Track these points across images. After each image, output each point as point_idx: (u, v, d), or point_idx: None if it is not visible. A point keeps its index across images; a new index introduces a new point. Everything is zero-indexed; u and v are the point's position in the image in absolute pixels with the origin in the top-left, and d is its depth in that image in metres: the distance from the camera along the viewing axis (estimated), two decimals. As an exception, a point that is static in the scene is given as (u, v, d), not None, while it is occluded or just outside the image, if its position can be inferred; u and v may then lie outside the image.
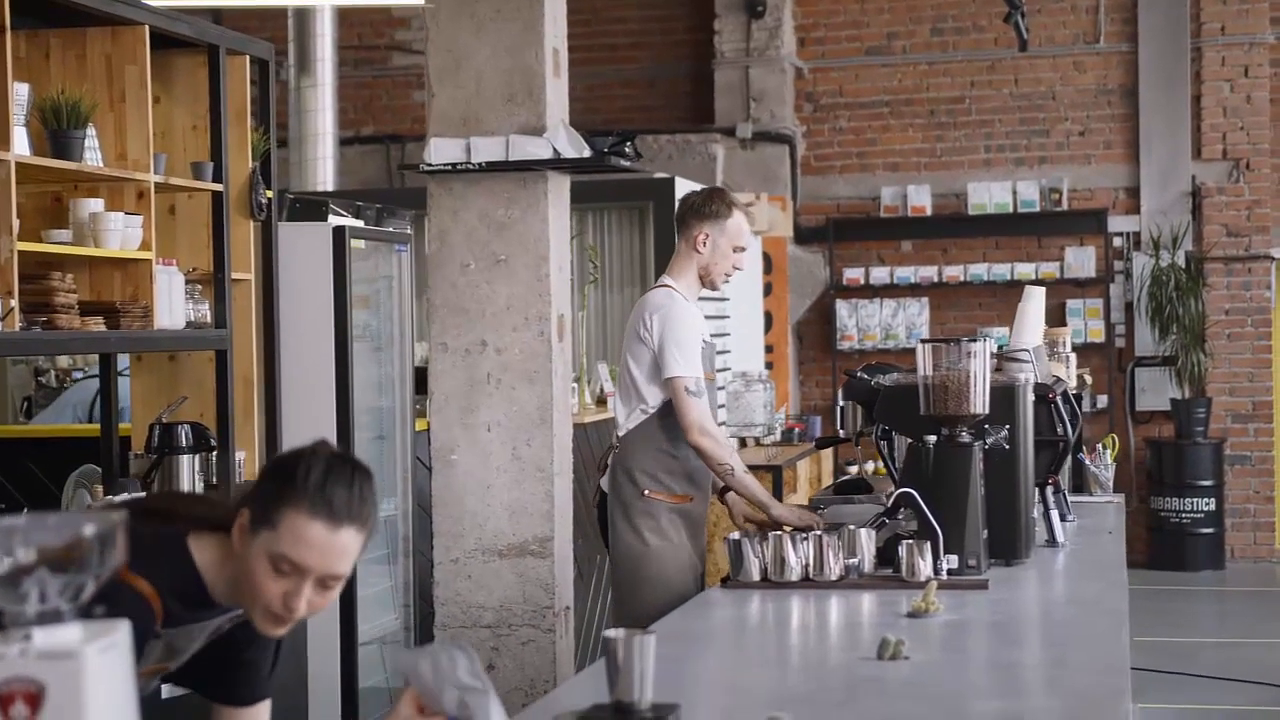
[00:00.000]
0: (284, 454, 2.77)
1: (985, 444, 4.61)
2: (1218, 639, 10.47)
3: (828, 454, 11.54)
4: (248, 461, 6.04)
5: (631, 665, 2.80)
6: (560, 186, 6.42)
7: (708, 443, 5.25)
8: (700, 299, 8.32)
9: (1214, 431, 12.87)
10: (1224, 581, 12.45)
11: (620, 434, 5.50)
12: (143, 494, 4.97)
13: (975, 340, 4.58)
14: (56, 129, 4.95)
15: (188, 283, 5.66)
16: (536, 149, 6.18)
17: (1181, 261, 12.78)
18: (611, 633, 2.82)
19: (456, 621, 5.99)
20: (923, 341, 4.60)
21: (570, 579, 6.25)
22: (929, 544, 4.37)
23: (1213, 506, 12.68)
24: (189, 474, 5.61)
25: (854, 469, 12.65)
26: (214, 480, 5.78)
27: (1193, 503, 12.65)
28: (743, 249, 5.53)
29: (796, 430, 11.35)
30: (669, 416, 5.37)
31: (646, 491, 5.39)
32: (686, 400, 5.27)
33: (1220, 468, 12.76)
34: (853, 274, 13.36)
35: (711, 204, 5.50)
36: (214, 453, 5.76)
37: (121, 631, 1.84)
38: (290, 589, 2.65)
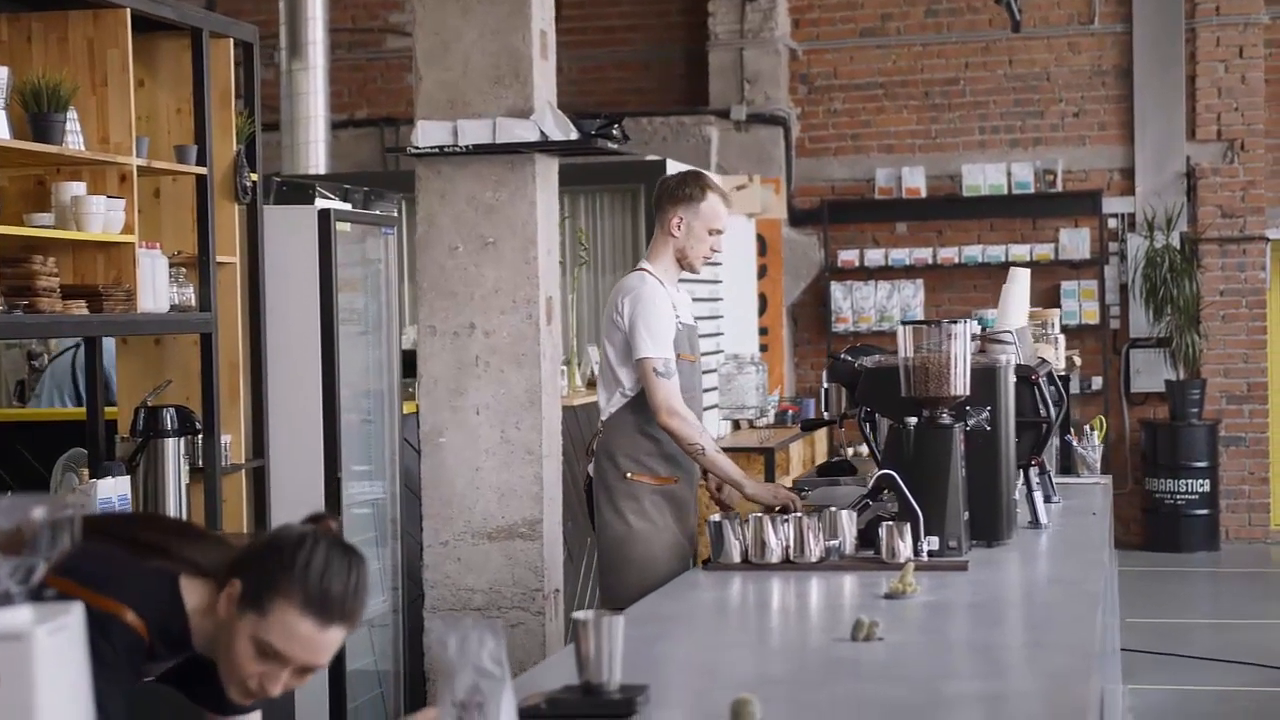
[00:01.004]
0: (284, 531, 2.74)
1: (966, 425, 4.62)
2: (1211, 620, 10.49)
3: (821, 436, 11.55)
4: (234, 445, 6.04)
5: (600, 647, 2.81)
6: (548, 169, 6.42)
7: (676, 423, 5.27)
8: (694, 281, 8.33)
9: (1209, 413, 12.87)
10: (1218, 563, 12.46)
11: (603, 418, 5.53)
12: (137, 515, 4.88)
13: (956, 322, 4.58)
14: (37, 112, 4.94)
15: (172, 266, 5.66)
16: (523, 131, 6.17)
17: (1176, 243, 12.77)
18: (580, 615, 2.83)
19: (446, 604, 6.00)
20: (903, 323, 4.61)
21: (560, 561, 6.25)
22: (909, 525, 4.38)
23: (1207, 488, 12.68)
24: (174, 457, 5.61)
25: (849, 451, 12.66)
26: (199, 464, 5.78)
27: (1187, 484, 12.65)
28: (718, 231, 5.53)
29: (790, 413, 11.35)
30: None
31: (629, 474, 5.42)
32: (655, 381, 5.29)
33: (1215, 449, 12.77)
34: (847, 256, 13.36)
35: (685, 187, 5.52)
36: (199, 436, 5.76)
37: (73, 614, 1.84)
38: (269, 672, 2.65)
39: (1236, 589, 11.70)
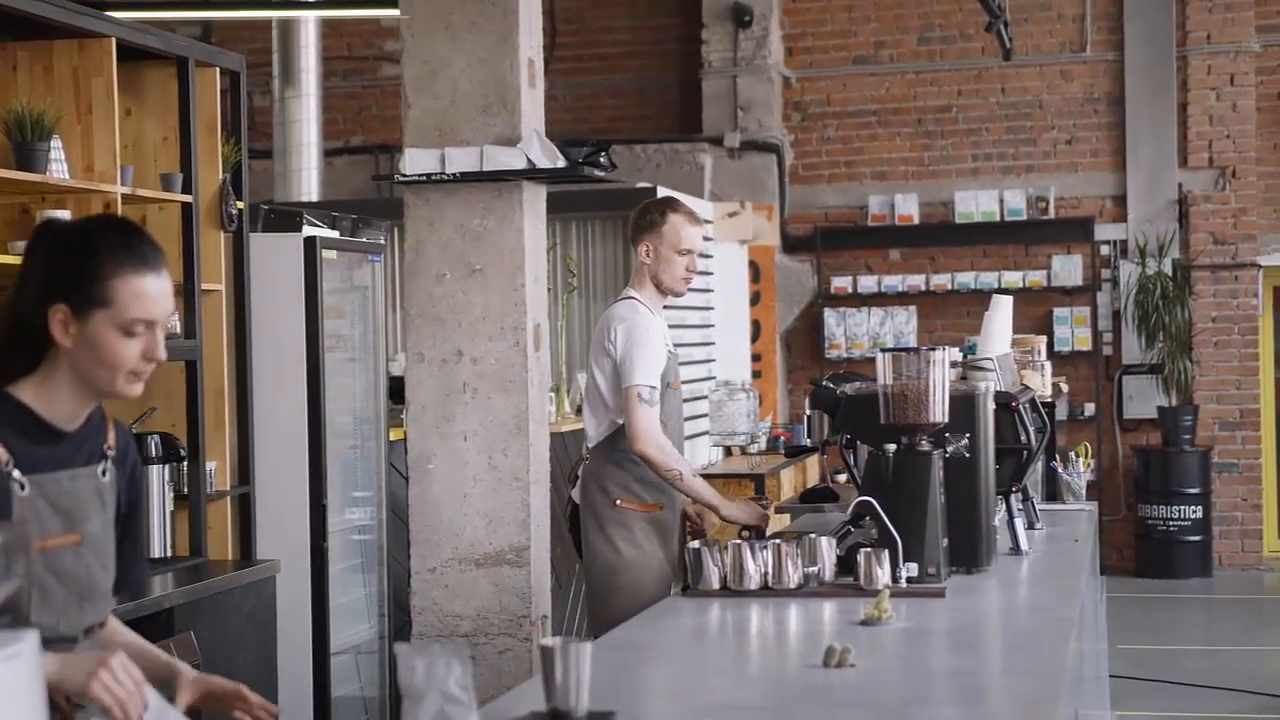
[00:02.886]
0: (52, 235, 2.80)
1: (945, 452, 4.63)
2: (1204, 646, 10.48)
3: (813, 462, 11.55)
4: (219, 471, 6.05)
5: (567, 673, 2.83)
6: (535, 197, 6.44)
7: (652, 451, 5.32)
8: (685, 307, 8.36)
9: (1201, 439, 12.88)
10: (1211, 589, 12.45)
11: (590, 445, 5.58)
12: None
13: (935, 349, 4.59)
14: (21, 141, 4.97)
15: (158, 293, 5.68)
16: (510, 159, 6.20)
17: (1168, 269, 12.79)
18: (547, 641, 2.84)
19: (433, 630, 6.00)
20: (883, 351, 4.62)
21: (547, 588, 6.26)
22: (887, 552, 4.39)
23: (1200, 514, 12.69)
24: (159, 484, 5.62)
25: (842, 478, 12.66)
26: (185, 491, 5.79)
27: (1180, 510, 12.66)
28: (688, 251, 5.59)
29: (783, 439, 11.35)
30: None
31: (618, 501, 5.46)
32: (638, 408, 5.35)
33: (1207, 475, 12.77)
34: (840, 283, 13.39)
35: (646, 215, 5.65)
36: (184, 463, 5.77)
37: (29, 641, 1.85)
38: (146, 344, 2.76)
39: (1229, 615, 11.69)
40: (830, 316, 13.38)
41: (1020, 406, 5.19)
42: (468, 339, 6.25)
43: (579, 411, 8.29)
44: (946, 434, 4.66)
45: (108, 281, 2.73)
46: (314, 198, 11.04)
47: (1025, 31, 13.07)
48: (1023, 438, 5.19)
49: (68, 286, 2.74)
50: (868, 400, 4.71)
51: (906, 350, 4.62)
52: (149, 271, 2.76)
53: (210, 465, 5.91)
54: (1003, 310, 5.72)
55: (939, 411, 4.56)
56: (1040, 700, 3.12)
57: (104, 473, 2.89)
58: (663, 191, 10.37)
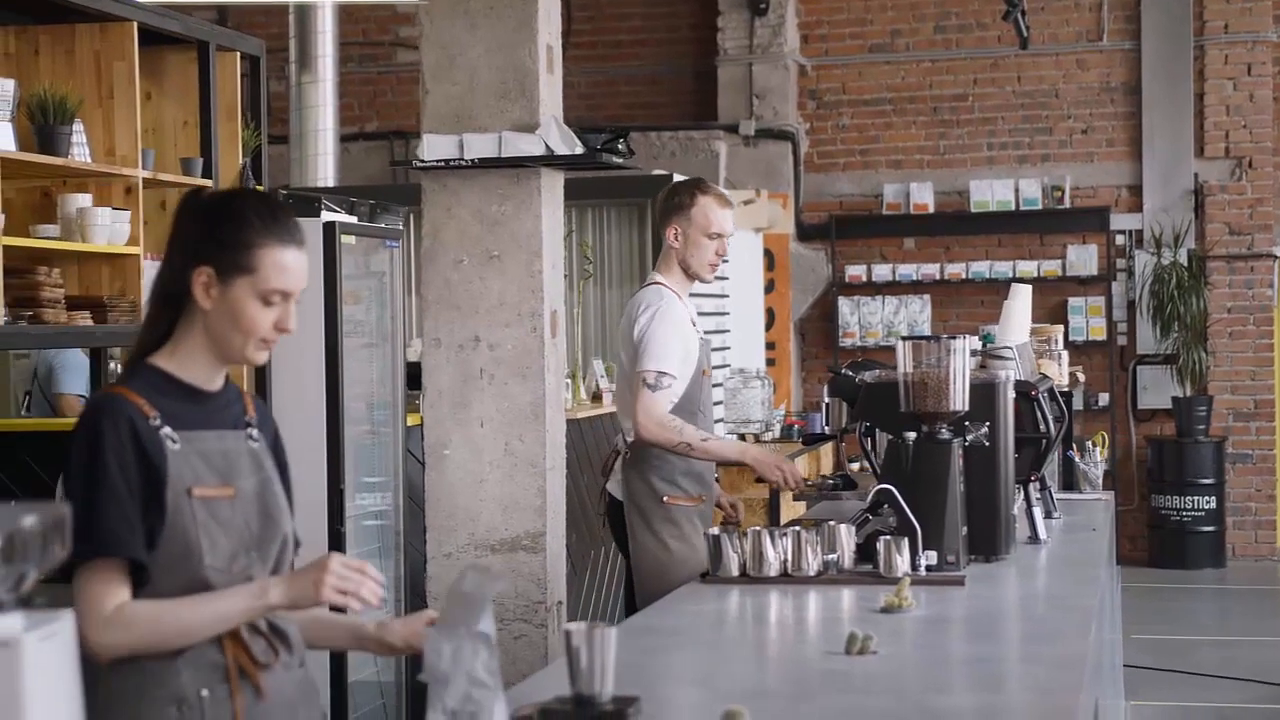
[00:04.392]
0: (203, 203, 2.94)
1: (965, 441, 4.63)
2: (1216, 637, 10.48)
3: (828, 450, 11.56)
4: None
5: (592, 658, 2.83)
6: (553, 183, 6.44)
7: (655, 433, 5.24)
8: (700, 294, 8.31)
9: (1215, 430, 12.86)
10: (1224, 580, 12.45)
11: (630, 438, 5.45)
12: None
13: (955, 338, 4.59)
14: (43, 124, 4.98)
15: (177, 278, 5.69)
16: (529, 146, 6.20)
17: (1184, 259, 12.78)
18: (572, 626, 2.84)
19: (448, 616, 6.01)
20: (903, 339, 4.62)
21: (563, 574, 6.27)
22: (907, 540, 4.39)
23: (1214, 505, 12.68)
24: (178, 468, 5.62)
25: (855, 466, 12.66)
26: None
27: (1193, 501, 12.65)
28: (718, 235, 5.46)
29: (797, 427, 11.35)
30: (680, 416, 5.34)
31: (666, 498, 5.37)
32: (641, 394, 5.28)
33: (1221, 466, 12.76)
34: (855, 271, 13.38)
35: (675, 196, 5.50)
36: (203, 447, 5.77)
37: (64, 621, 1.86)
38: (280, 314, 2.89)
39: (1242, 606, 11.69)
40: (844, 305, 13.37)
41: (1039, 396, 5.19)
42: (485, 325, 6.25)
43: (595, 398, 8.31)
44: (966, 422, 4.66)
45: (253, 250, 2.85)
46: (330, 183, 11.04)
47: (1042, 20, 13.05)
48: (1042, 427, 5.19)
49: (215, 250, 2.86)
50: (887, 388, 4.71)
51: (927, 338, 4.61)
52: (292, 245, 2.89)
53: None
54: (1022, 299, 5.71)
55: (959, 400, 4.55)
56: (1063, 689, 3.12)
57: (253, 438, 3.01)
58: (680, 179, 10.38)
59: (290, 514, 3.05)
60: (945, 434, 4.57)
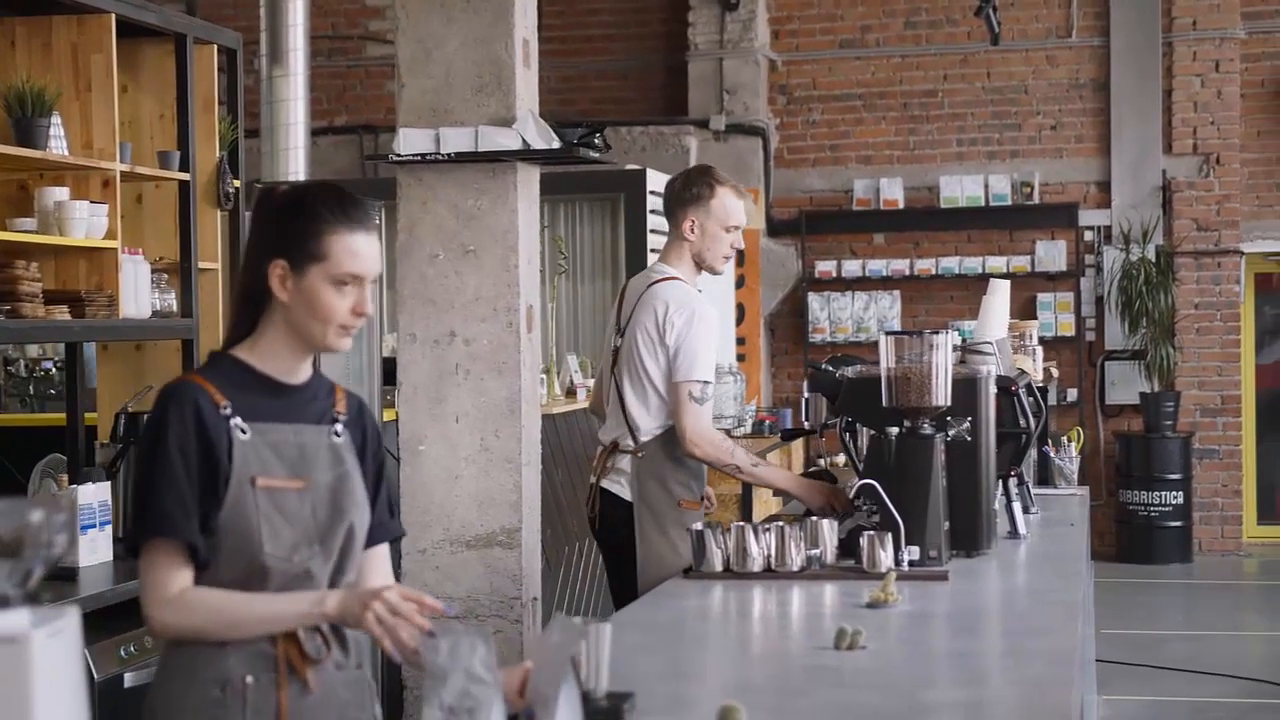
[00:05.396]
0: (276, 198, 3.03)
1: (947, 436, 4.63)
2: (1185, 631, 10.53)
3: (798, 446, 11.58)
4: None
5: (588, 654, 2.82)
6: (529, 178, 6.43)
7: (706, 450, 5.08)
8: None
9: (1182, 425, 12.93)
10: (1191, 574, 12.51)
11: (643, 438, 5.29)
12: None
13: (938, 333, 4.59)
14: (21, 117, 4.94)
15: (154, 272, 5.65)
16: (506, 140, 6.18)
17: (1152, 256, 12.83)
18: (565, 620, 2.83)
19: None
20: (886, 333, 4.62)
21: (538, 570, 6.25)
22: (890, 535, 4.39)
23: (1181, 500, 12.74)
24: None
25: (822, 461, 12.69)
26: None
27: (1161, 496, 12.71)
28: (735, 227, 5.29)
29: (768, 422, 11.36)
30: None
31: (682, 502, 5.24)
32: (687, 407, 5.09)
33: (1188, 461, 12.83)
34: (825, 267, 13.39)
35: (692, 186, 5.31)
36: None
37: (70, 618, 1.84)
38: (355, 299, 2.95)
39: (1210, 600, 11.74)
40: (814, 300, 13.38)
41: (1019, 391, 5.20)
42: (460, 320, 6.24)
43: (569, 394, 8.29)
44: (948, 418, 4.67)
45: (323, 237, 2.92)
46: (301, 177, 10.97)
47: (1011, 16, 13.08)
48: (1022, 422, 5.21)
49: (288, 243, 2.94)
50: (869, 383, 4.71)
51: (910, 334, 4.62)
52: (361, 230, 2.96)
53: (206, 445, 5.87)
54: (1000, 294, 5.72)
55: (942, 395, 4.56)
56: (1053, 683, 3.13)
57: (336, 434, 3.04)
58: (653, 174, 10.38)
59: (371, 509, 3.08)
60: (928, 429, 4.58)
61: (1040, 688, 3.11)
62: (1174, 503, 12.71)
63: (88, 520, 4.98)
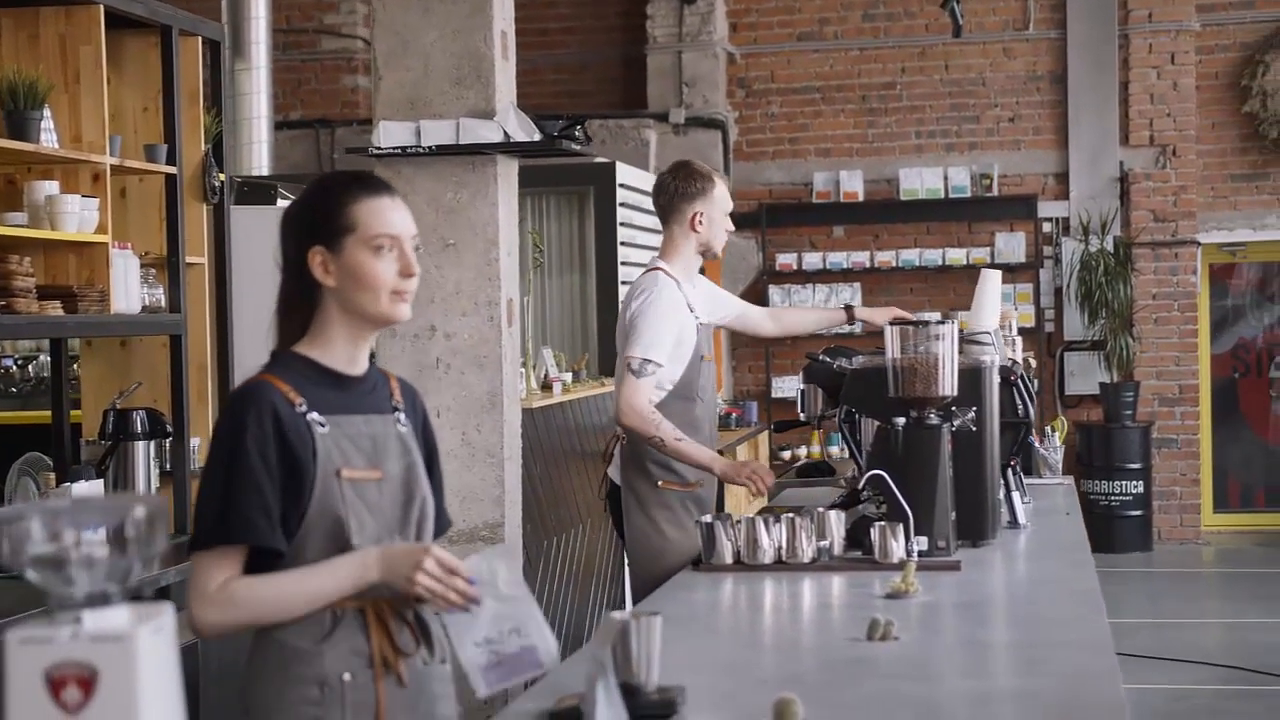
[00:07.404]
0: (292, 205, 3.05)
1: (953, 426, 4.63)
2: (1146, 619, 10.59)
3: (763, 439, 11.58)
4: (203, 448, 5.96)
5: (639, 647, 2.80)
6: (509, 170, 6.40)
7: (634, 420, 5.22)
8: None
9: (1142, 415, 13.00)
10: (1151, 563, 12.60)
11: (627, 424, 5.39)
12: None
13: (944, 323, 4.59)
14: (13, 109, 4.86)
15: (142, 266, 5.59)
16: (487, 132, 6.15)
17: (1110, 247, 12.90)
18: (618, 615, 2.81)
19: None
20: (891, 323, 4.61)
21: (520, 564, 6.24)
22: (901, 526, 4.38)
23: (1141, 489, 12.82)
24: (144, 461, 5.53)
25: (787, 454, 12.70)
26: (169, 468, 5.70)
27: (1121, 485, 12.78)
28: (730, 209, 5.62)
29: (734, 416, 11.36)
30: (676, 403, 5.33)
31: (660, 483, 5.36)
32: (625, 379, 5.26)
33: (1148, 451, 12.91)
34: (785, 259, 13.40)
35: (695, 183, 5.49)
36: (169, 439, 5.68)
37: (168, 614, 1.81)
38: (401, 262, 2.95)
39: (1170, 589, 11.82)
40: (775, 293, 13.38)
41: (1018, 380, 5.21)
42: (441, 314, 6.21)
43: (545, 388, 8.25)
44: (953, 407, 4.66)
45: (347, 208, 2.94)
46: (265, 171, 10.90)
47: (969, 9, 13.09)
48: (1021, 410, 5.21)
49: (317, 228, 2.95)
50: (874, 374, 4.70)
51: (915, 323, 4.61)
52: (382, 194, 2.98)
53: (194, 440, 5.82)
54: (992, 284, 5.73)
55: (948, 385, 4.56)
56: (1099, 673, 3.12)
57: (400, 423, 3.03)
58: (622, 167, 10.35)
59: (436, 498, 3.08)
60: (934, 419, 4.57)
61: (1086, 678, 3.10)
62: (1134, 492, 12.79)
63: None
